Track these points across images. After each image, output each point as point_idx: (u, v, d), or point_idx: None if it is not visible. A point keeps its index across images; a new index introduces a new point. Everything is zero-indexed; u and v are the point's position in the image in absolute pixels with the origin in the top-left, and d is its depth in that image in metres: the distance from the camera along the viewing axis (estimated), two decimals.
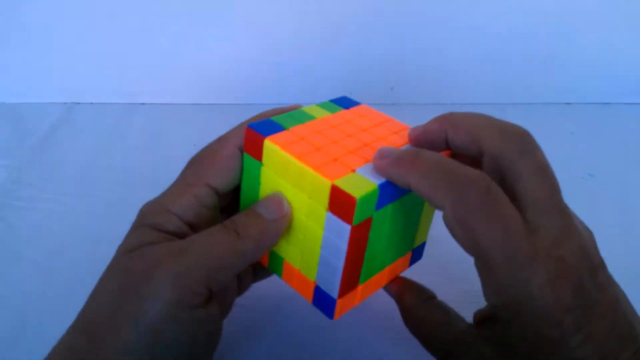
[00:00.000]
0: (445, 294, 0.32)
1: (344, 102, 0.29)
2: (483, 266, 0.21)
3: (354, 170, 0.23)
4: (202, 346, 0.23)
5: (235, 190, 0.27)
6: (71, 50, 0.52)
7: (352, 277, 0.24)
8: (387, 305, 0.29)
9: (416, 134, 0.25)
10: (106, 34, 0.50)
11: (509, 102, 0.53)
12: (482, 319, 0.25)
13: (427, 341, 0.26)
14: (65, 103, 0.54)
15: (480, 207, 0.20)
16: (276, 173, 0.24)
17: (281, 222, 0.24)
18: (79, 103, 0.55)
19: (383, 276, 0.27)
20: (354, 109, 0.29)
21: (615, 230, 0.39)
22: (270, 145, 0.24)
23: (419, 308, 0.26)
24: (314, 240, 0.24)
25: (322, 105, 0.28)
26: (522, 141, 0.23)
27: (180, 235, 0.24)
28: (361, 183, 0.22)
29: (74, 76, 0.54)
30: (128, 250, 0.23)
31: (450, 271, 0.35)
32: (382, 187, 0.22)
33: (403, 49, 0.50)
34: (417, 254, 0.29)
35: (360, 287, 0.26)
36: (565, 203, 0.22)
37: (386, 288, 0.28)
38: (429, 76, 0.52)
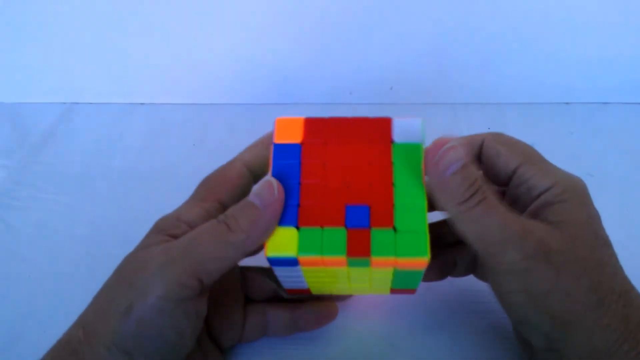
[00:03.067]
0: (444, 293, 0.32)
1: None
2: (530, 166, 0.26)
3: None
4: (187, 338, 0.24)
5: None
6: (70, 50, 0.52)
7: None
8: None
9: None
10: (106, 34, 0.50)
11: (508, 102, 0.53)
12: None
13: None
14: (65, 103, 0.54)
15: (477, 204, 0.23)
16: None
17: (274, 208, 0.24)
18: (78, 103, 0.55)
19: None
20: None
21: (615, 230, 0.39)
22: None
23: None
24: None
25: None
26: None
27: None
28: None
29: (73, 76, 0.53)
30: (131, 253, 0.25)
31: None
32: None
33: (402, 49, 0.50)
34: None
35: None
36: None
37: None
38: (428, 76, 0.52)
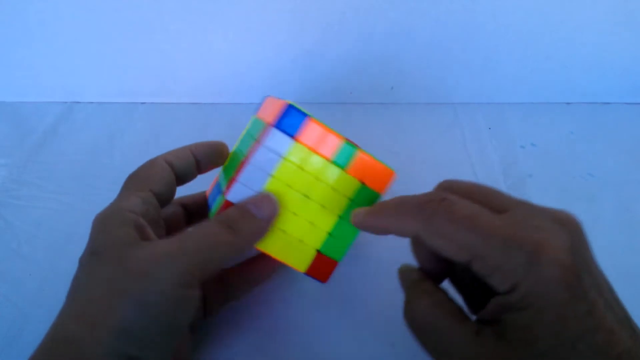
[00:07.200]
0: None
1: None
2: (481, 261, 0.21)
3: None
4: (189, 322, 0.25)
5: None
6: (71, 49, 0.52)
7: None
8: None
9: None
10: (106, 33, 0.50)
11: (508, 101, 0.53)
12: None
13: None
14: (65, 102, 0.54)
15: (444, 215, 0.22)
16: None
17: (271, 222, 0.26)
18: (78, 102, 0.55)
19: None
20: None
21: (615, 230, 0.39)
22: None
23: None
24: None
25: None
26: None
27: (142, 229, 0.25)
28: None
29: (73, 75, 0.54)
30: (109, 246, 0.25)
31: None
32: None
33: (403, 48, 0.50)
34: None
35: None
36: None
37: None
38: (429, 75, 0.52)
